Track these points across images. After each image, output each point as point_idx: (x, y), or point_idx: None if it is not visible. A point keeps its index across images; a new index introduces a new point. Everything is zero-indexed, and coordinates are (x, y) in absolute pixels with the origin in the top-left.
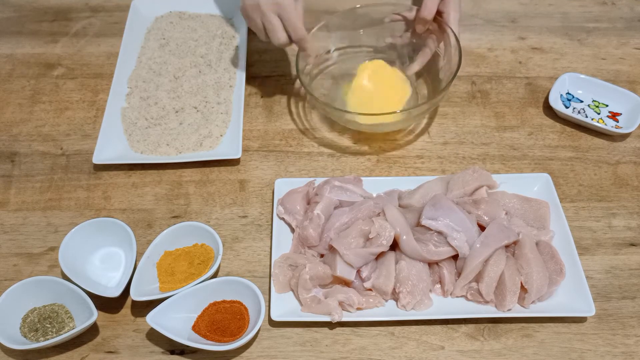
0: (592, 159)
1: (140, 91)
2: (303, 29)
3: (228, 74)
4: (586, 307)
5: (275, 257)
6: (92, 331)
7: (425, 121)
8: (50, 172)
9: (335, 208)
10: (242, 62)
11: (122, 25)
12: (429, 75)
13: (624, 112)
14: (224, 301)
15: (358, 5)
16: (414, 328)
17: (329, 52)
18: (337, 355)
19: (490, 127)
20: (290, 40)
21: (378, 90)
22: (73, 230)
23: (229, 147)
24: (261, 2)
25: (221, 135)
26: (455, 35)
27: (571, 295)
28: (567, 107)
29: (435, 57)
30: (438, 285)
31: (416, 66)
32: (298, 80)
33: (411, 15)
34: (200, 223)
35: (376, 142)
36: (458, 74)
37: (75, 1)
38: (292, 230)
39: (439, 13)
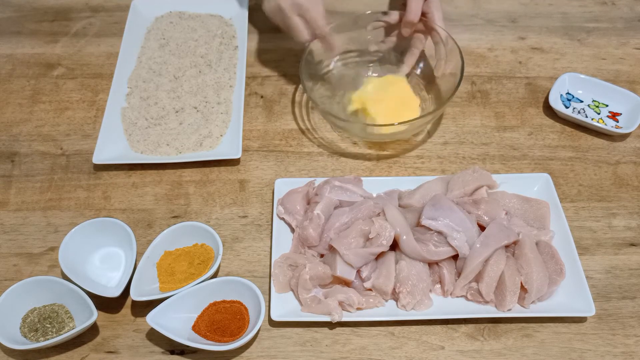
0: (592, 159)
1: (140, 91)
2: (325, 25)
3: (228, 74)
4: (586, 307)
5: (275, 257)
6: (92, 331)
7: None
8: (50, 172)
9: (335, 208)
10: (242, 62)
11: (122, 25)
12: (423, 77)
13: (624, 112)
14: (224, 301)
15: (368, 12)
16: (414, 328)
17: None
18: (337, 355)
19: (490, 127)
20: (314, 37)
21: (386, 103)
22: (73, 230)
23: (229, 147)
24: (282, 4)
25: (221, 135)
26: (447, 32)
27: (571, 295)
28: (567, 107)
29: (424, 57)
30: (438, 285)
31: (406, 68)
32: (300, 83)
33: (392, 19)
34: (200, 223)
35: (376, 142)
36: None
37: (75, 1)
38: (292, 230)
39: (422, 14)
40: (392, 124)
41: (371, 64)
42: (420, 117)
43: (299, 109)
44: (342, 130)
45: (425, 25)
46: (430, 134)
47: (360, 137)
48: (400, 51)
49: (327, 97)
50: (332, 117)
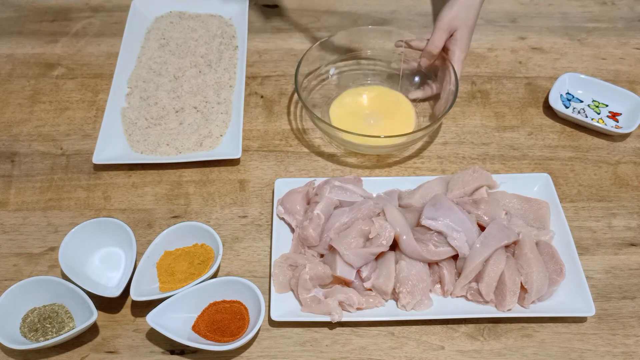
0: (592, 159)
1: (140, 91)
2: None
3: (228, 74)
4: (586, 307)
5: (275, 257)
6: (92, 331)
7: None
8: (50, 172)
9: (335, 208)
10: (242, 62)
11: (122, 25)
12: (428, 104)
13: (624, 112)
14: (224, 301)
15: (369, 26)
16: (414, 328)
17: (328, 64)
18: (337, 355)
19: (490, 127)
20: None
21: (383, 117)
22: (73, 230)
23: (229, 147)
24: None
25: (221, 135)
26: (455, 73)
27: (571, 295)
28: (567, 107)
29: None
30: (438, 285)
31: (419, 93)
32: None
33: (420, 45)
34: (200, 223)
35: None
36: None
37: (75, 1)
38: (292, 230)
39: (445, 50)
40: (378, 137)
41: (370, 75)
42: (407, 134)
43: (299, 109)
44: (331, 139)
45: (443, 61)
46: (430, 134)
47: (349, 149)
48: (417, 77)
49: (325, 103)
50: (323, 124)
